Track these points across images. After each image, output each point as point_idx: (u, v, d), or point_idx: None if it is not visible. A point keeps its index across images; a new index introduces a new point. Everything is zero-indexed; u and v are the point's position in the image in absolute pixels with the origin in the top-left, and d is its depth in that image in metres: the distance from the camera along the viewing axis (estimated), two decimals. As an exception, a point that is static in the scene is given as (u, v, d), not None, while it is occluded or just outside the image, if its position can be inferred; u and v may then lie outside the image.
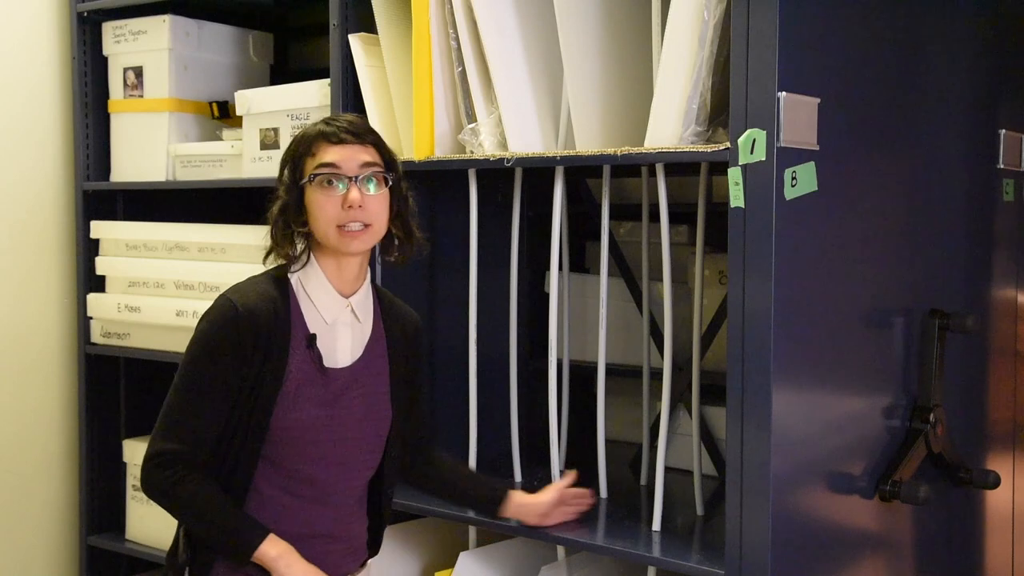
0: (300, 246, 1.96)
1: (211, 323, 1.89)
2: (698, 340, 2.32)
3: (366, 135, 1.94)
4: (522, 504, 2.18)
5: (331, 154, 1.90)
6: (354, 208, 1.89)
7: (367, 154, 1.92)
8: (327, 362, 1.95)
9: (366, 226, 1.91)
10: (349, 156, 1.90)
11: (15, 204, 3.07)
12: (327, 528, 1.98)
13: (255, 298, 1.90)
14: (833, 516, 2.05)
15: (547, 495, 2.18)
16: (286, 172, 1.95)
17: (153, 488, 1.90)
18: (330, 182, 1.89)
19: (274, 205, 1.95)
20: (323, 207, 1.89)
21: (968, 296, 2.39)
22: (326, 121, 1.95)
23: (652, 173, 2.46)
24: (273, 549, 1.87)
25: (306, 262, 1.96)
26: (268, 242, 1.96)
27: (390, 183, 1.95)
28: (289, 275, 1.96)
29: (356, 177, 1.90)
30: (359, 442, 1.98)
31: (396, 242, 2.02)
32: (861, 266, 2.08)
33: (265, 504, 1.92)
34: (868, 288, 2.10)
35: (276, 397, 1.89)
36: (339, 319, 1.96)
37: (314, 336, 1.93)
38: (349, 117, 1.98)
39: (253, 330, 1.87)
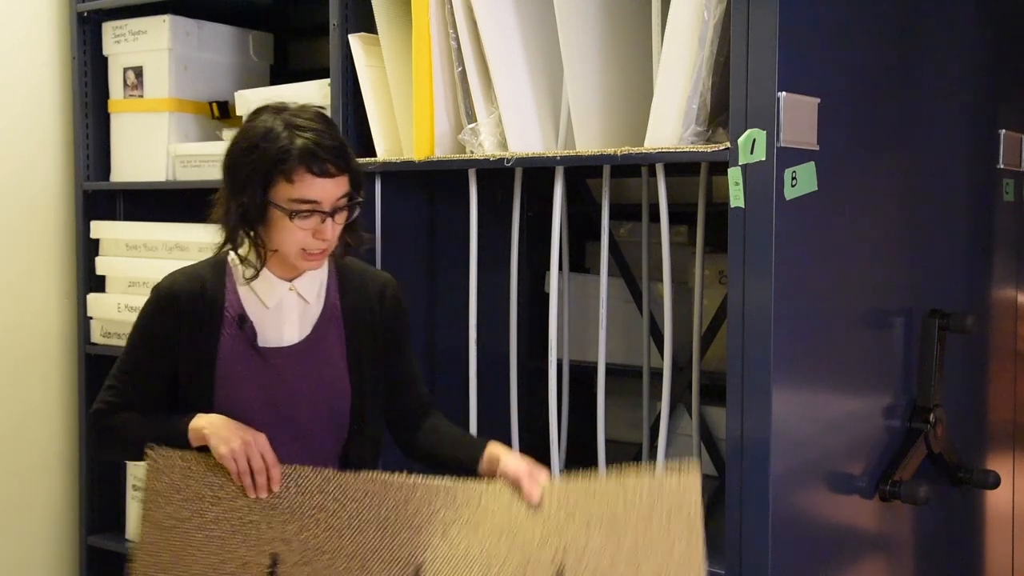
0: (247, 247, 1.90)
1: (141, 313, 1.96)
2: (698, 340, 2.31)
3: (344, 159, 1.84)
4: (494, 457, 1.95)
5: (314, 190, 1.81)
6: (324, 238, 1.85)
7: (345, 184, 1.85)
8: (268, 342, 1.92)
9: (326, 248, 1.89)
10: (331, 191, 1.83)
11: (15, 204, 3.07)
12: None
13: (181, 279, 1.92)
14: (833, 516, 2.05)
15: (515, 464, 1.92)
16: (253, 181, 1.82)
17: (92, 443, 2.02)
18: (307, 216, 1.83)
19: (231, 202, 1.86)
20: (293, 234, 1.84)
21: (968, 296, 2.39)
22: (303, 134, 1.80)
23: (652, 173, 2.46)
24: (202, 420, 1.87)
25: (259, 268, 1.91)
26: (221, 237, 1.90)
27: (355, 208, 1.90)
28: (228, 258, 1.94)
29: (333, 211, 1.85)
30: (312, 421, 1.94)
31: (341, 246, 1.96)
32: (861, 266, 2.08)
33: None
34: (868, 288, 2.10)
35: (213, 376, 1.89)
36: (283, 302, 1.94)
37: (243, 315, 1.92)
38: (323, 130, 1.83)
39: (174, 311, 1.90)
